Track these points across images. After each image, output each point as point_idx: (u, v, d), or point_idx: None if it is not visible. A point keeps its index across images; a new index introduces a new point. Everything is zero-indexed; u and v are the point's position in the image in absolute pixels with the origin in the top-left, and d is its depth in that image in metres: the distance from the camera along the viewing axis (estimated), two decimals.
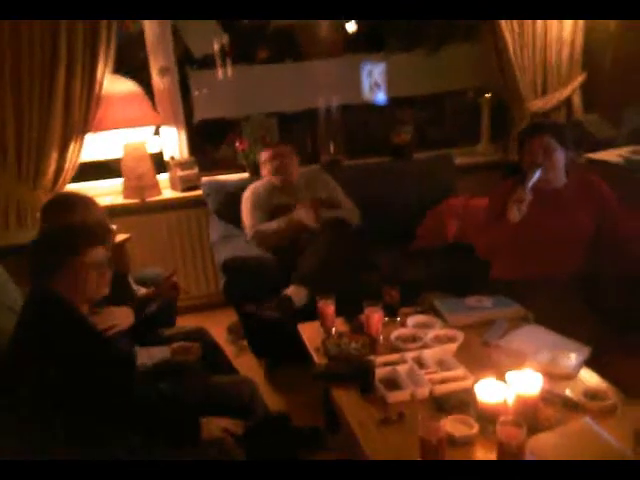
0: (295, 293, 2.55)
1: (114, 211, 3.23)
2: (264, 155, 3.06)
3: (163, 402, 1.61)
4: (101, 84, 2.96)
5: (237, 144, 3.51)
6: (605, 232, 2.28)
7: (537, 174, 2.23)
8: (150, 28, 3.29)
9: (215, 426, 1.57)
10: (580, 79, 3.48)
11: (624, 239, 2.27)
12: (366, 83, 3.94)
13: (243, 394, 1.86)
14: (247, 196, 3.03)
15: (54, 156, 2.95)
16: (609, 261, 2.26)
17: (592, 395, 1.57)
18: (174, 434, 1.55)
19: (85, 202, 2.08)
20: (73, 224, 1.77)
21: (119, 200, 3.35)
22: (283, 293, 2.56)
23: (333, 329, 2.08)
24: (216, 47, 3.68)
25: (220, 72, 3.73)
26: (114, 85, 3.10)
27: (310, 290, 2.50)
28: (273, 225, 2.88)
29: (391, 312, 2.12)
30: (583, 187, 2.33)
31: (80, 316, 1.58)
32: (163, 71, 3.37)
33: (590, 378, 1.69)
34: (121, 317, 1.81)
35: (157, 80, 3.39)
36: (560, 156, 2.29)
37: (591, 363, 1.74)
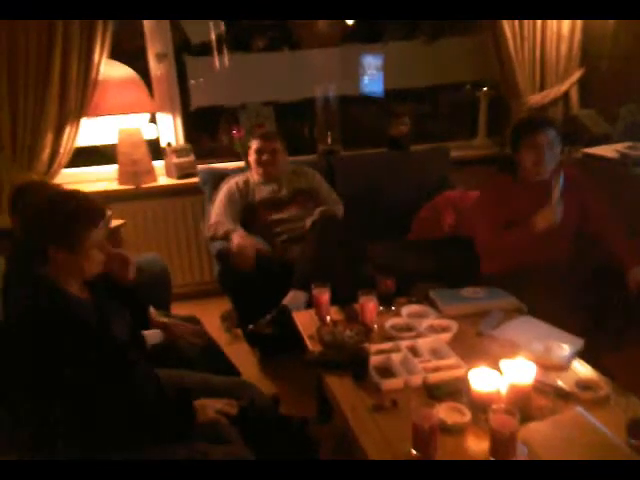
0: (293, 299, 2.54)
1: (109, 197, 3.24)
2: (255, 144, 3.04)
3: (160, 390, 1.59)
4: (98, 68, 2.94)
5: (234, 132, 3.50)
6: (585, 225, 2.35)
7: (561, 182, 2.23)
8: None
9: (210, 408, 1.56)
10: (578, 74, 3.48)
11: (599, 233, 2.35)
12: (364, 74, 3.93)
13: (241, 399, 1.80)
14: (226, 188, 3.02)
15: (49, 139, 2.93)
16: (587, 254, 2.32)
17: (584, 386, 1.58)
18: (169, 421, 1.54)
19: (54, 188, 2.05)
20: (67, 207, 1.56)
21: (114, 186, 3.34)
22: (281, 304, 2.53)
23: (328, 317, 2.08)
24: (213, 35, 3.66)
25: (217, 60, 3.71)
26: (111, 70, 3.08)
27: (309, 293, 2.49)
28: (229, 229, 2.83)
29: (386, 302, 2.12)
30: (568, 179, 2.35)
31: (76, 306, 1.55)
32: (160, 57, 3.34)
33: (583, 369, 1.70)
34: None
35: (154, 66, 3.36)
36: (558, 150, 2.34)
37: (584, 354, 1.75)
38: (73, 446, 1.48)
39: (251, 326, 2.52)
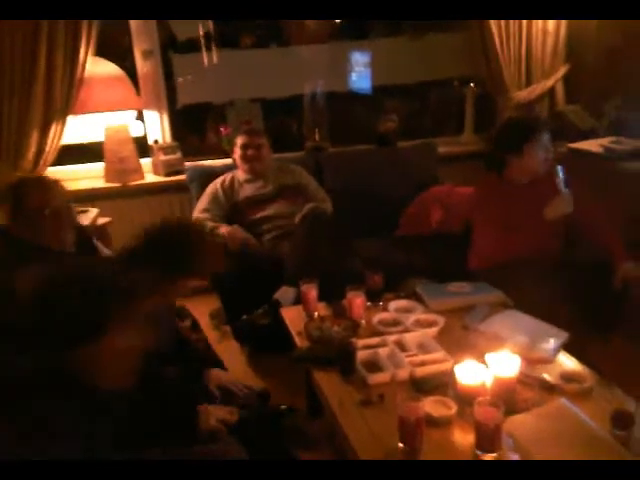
0: (284, 294, 2.55)
1: (96, 195, 3.22)
2: (240, 140, 3.04)
3: (167, 391, 1.59)
4: (83, 65, 2.92)
5: (221, 129, 3.49)
6: (574, 219, 2.35)
7: (561, 172, 2.27)
8: None
9: (212, 416, 1.55)
10: (563, 70, 3.50)
11: (588, 226, 2.36)
12: (351, 70, 3.93)
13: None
14: (211, 188, 3.02)
15: (35, 138, 2.91)
16: (576, 248, 2.36)
17: (569, 378, 1.60)
18: (173, 424, 1.53)
19: (48, 184, 2.03)
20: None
21: (100, 184, 3.31)
22: (273, 298, 2.55)
23: (315, 313, 2.09)
24: (201, 31, 3.65)
25: (204, 57, 3.70)
26: (97, 67, 3.06)
27: (298, 288, 2.51)
28: (213, 226, 2.86)
29: (374, 297, 2.13)
30: (550, 175, 2.37)
31: None
32: (146, 54, 3.33)
33: (568, 361, 1.72)
34: None
35: (140, 63, 3.35)
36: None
37: (569, 347, 1.77)
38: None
39: (245, 316, 2.53)
